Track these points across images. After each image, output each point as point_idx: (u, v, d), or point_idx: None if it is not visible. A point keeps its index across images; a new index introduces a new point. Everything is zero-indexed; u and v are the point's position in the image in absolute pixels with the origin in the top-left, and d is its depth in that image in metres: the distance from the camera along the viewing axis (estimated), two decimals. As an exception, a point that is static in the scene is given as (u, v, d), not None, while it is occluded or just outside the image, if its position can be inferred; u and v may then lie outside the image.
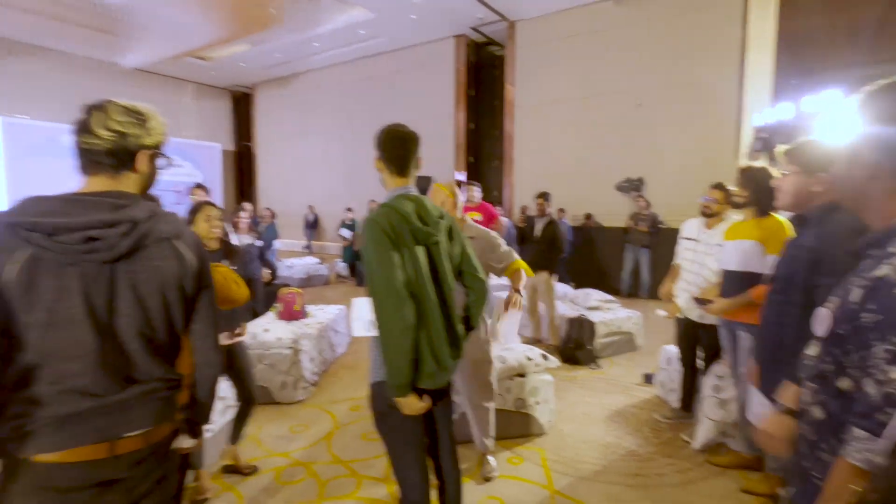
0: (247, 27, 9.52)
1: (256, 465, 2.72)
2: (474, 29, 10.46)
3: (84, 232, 1.00)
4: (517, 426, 3.05)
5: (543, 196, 4.86)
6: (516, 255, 2.58)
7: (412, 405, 1.50)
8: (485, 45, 11.45)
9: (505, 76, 10.35)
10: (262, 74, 13.81)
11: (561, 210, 8.03)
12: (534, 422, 3.08)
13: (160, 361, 1.12)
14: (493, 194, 11.07)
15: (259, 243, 4.60)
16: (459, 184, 11.65)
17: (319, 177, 13.66)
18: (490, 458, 2.67)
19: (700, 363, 3.14)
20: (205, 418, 1.28)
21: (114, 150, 1.08)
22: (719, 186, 3.06)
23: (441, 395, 1.66)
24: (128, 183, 1.12)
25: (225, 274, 2.06)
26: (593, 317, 4.66)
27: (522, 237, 5.23)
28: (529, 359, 3.07)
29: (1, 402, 1.00)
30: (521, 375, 3.07)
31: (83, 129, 1.08)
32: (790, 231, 2.10)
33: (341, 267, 9.72)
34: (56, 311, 0.99)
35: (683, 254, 3.21)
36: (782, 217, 2.33)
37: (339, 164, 13.21)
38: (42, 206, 1.01)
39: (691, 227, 3.22)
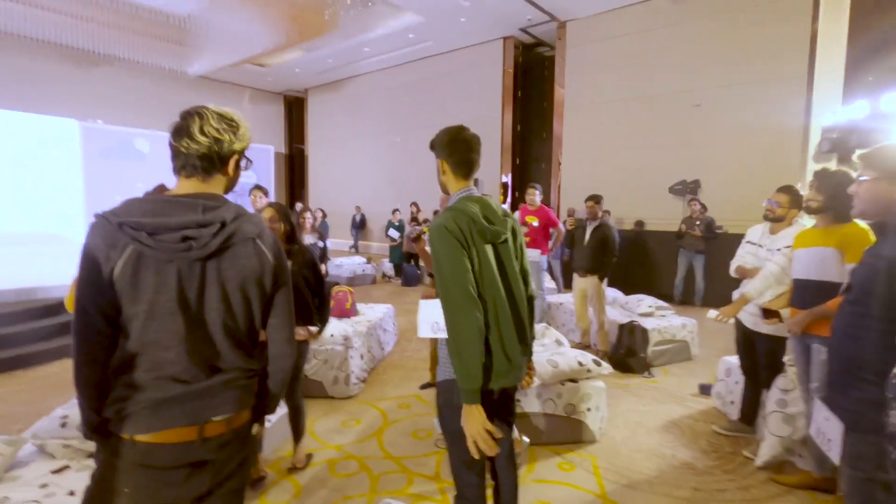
0: (303, 34, 9.89)
1: (311, 454, 2.82)
2: (523, 30, 10.40)
3: (181, 231, 1.08)
4: (568, 432, 3.01)
5: (594, 199, 4.76)
6: None
7: (476, 419, 1.44)
8: (533, 47, 11.36)
9: (554, 77, 10.22)
10: (314, 79, 14.28)
11: (606, 212, 7.83)
12: (585, 428, 3.03)
13: (241, 352, 1.19)
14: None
15: (321, 244, 4.75)
16: (505, 186, 11.57)
17: (366, 178, 13.96)
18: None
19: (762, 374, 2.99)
20: (272, 408, 1.35)
21: (209, 154, 1.15)
22: (787, 189, 2.88)
23: (505, 396, 1.66)
24: (216, 185, 1.20)
25: None
26: (646, 323, 4.53)
27: (572, 240, 5.14)
28: (581, 364, 3.02)
29: (106, 387, 1.10)
30: (573, 381, 3.03)
31: (183, 133, 1.14)
32: (873, 239, 1.96)
33: (388, 267, 9.89)
34: (156, 303, 1.07)
35: (745, 258, 3.07)
36: (863, 224, 2.18)
37: (386, 165, 13.46)
38: (144, 207, 1.10)
39: (755, 232, 3.07)
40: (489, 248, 1.56)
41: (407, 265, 9.14)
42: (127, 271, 1.05)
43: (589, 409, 3.03)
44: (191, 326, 1.11)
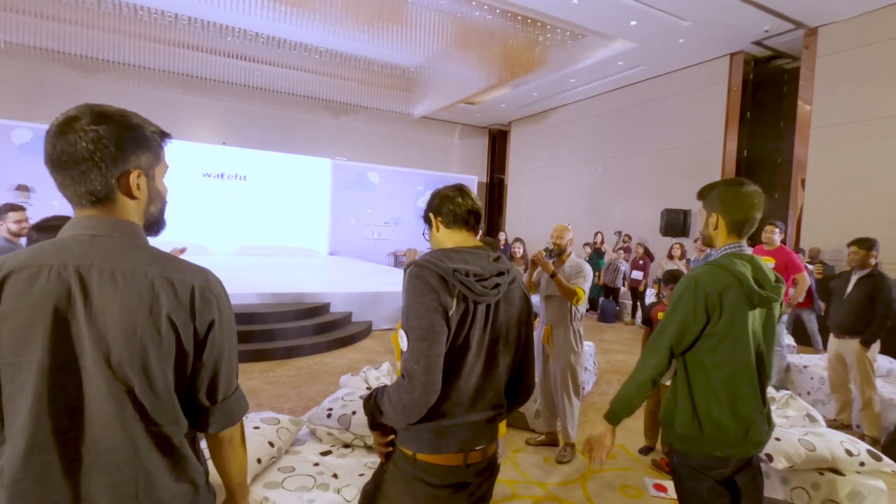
0: (513, 72, 10.47)
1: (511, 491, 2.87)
2: (757, 43, 9.14)
3: (492, 279, 1.25)
4: (827, 534, 2.43)
5: (867, 244, 3.83)
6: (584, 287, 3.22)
7: (605, 439, 1.56)
8: (769, 60, 9.87)
9: (797, 92, 8.69)
10: (518, 112, 14.94)
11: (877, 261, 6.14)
12: (852, 537, 2.41)
13: (503, 390, 1.32)
14: (771, 232, 9.30)
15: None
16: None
17: (563, 207, 13.89)
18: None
19: None
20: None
21: (473, 214, 1.38)
22: None
23: (746, 467, 1.56)
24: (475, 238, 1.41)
25: None
26: (945, 411, 3.41)
27: (827, 291, 4.22)
28: (851, 454, 2.42)
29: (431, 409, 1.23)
30: (836, 472, 2.45)
31: (458, 196, 1.37)
32: None
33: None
34: (469, 339, 1.25)
35: None
36: None
37: (584, 194, 13.18)
38: (459, 256, 1.27)
39: None
40: (755, 314, 1.42)
41: (605, 300, 8.72)
42: (457, 312, 1.26)
43: (859, 513, 2.40)
44: (493, 362, 1.30)
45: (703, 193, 1.57)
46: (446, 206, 1.35)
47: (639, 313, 8.33)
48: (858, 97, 7.63)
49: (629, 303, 8.75)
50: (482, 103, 13.89)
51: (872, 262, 3.85)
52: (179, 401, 0.92)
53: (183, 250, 3.43)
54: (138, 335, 0.84)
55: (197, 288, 0.90)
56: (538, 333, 3.42)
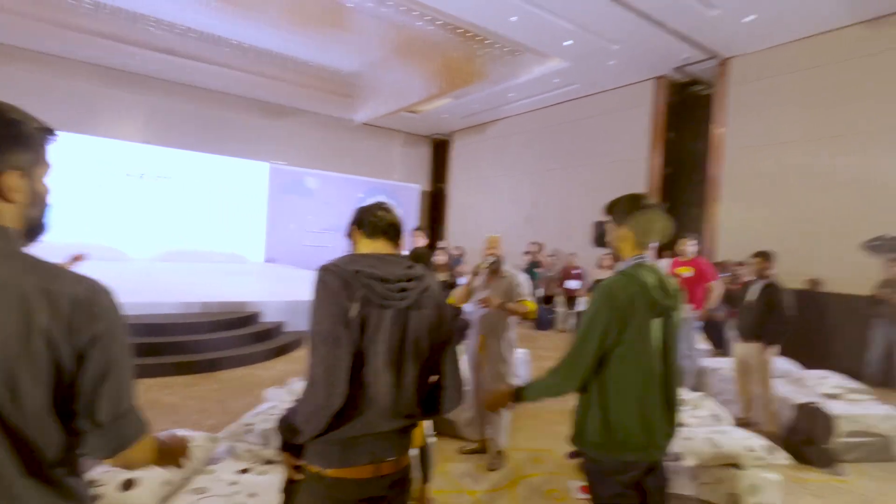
0: (455, 83, 10.64)
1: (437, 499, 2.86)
2: (677, 69, 9.87)
3: (399, 283, 1.24)
4: (729, 526, 2.62)
5: (765, 256, 4.21)
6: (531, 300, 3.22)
7: (503, 400, 1.72)
8: (688, 85, 10.68)
9: (712, 116, 9.46)
10: (460, 123, 15.17)
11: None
12: (751, 526, 2.61)
13: (417, 400, 1.31)
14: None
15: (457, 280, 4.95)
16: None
17: (503, 218, 14.20)
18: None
19: None
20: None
21: (392, 227, 1.37)
22: None
23: (654, 469, 1.62)
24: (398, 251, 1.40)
25: None
26: (831, 407, 3.80)
27: (732, 299, 4.59)
28: (751, 449, 2.64)
29: (328, 424, 1.20)
30: (737, 467, 2.65)
31: (379, 210, 1.39)
32: None
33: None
34: (375, 345, 1.22)
35: None
36: None
37: (523, 206, 13.56)
38: (367, 261, 1.27)
39: None
40: (657, 322, 1.51)
41: (541, 307, 8.98)
42: (358, 314, 1.25)
43: (757, 504, 2.61)
44: (395, 371, 1.26)
45: (611, 208, 1.66)
46: (367, 218, 1.36)
47: (572, 321, 8.70)
48: (766, 123, 8.43)
49: (564, 310, 9.11)
50: (424, 112, 13.98)
51: (771, 272, 4.24)
52: (68, 422, 0.84)
53: (79, 258, 3.07)
54: (8, 354, 0.76)
55: (79, 300, 0.83)
56: (473, 343, 3.46)
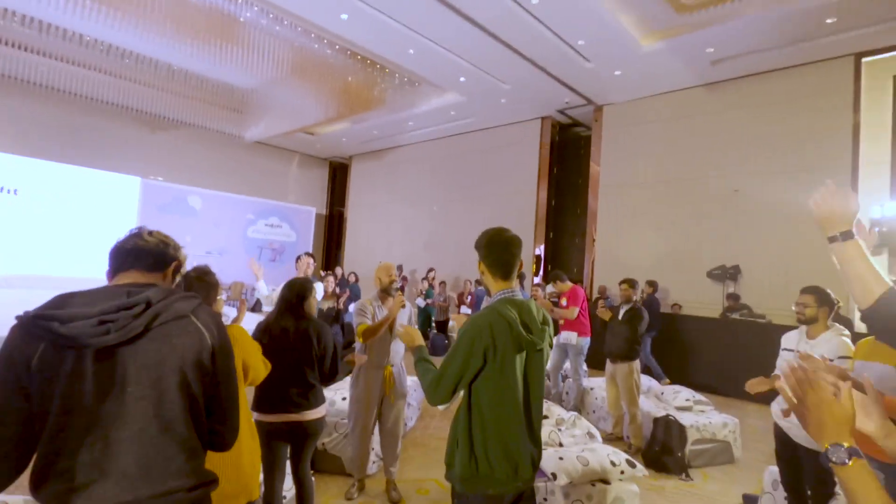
0: (352, 108, 10.60)
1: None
2: (560, 111, 10.83)
3: (100, 317, 1.05)
4: (597, 540, 2.78)
5: (629, 283, 4.68)
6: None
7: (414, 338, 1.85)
8: (570, 126, 11.76)
9: (590, 155, 10.48)
10: (359, 147, 15.10)
11: (650, 283, 7.57)
12: (616, 537, 2.79)
13: (174, 454, 1.10)
14: (573, 271, 10.87)
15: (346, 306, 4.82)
16: (538, 259, 11.52)
17: (401, 244, 14.26)
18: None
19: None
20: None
21: (157, 251, 1.27)
22: (811, 290, 2.65)
23: (520, 499, 1.65)
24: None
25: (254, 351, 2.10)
26: (683, 419, 4.26)
27: (603, 323, 5.01)
28: (614, 464, 2.84)
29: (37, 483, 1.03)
30: (605, 482, 2.84)
31: (138, 234, 1.29)
32: None
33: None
34: (69, 395, 1.02)
35: (781, 366, 2.89)
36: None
37: (421, 234, 13.75)
38: (85, 298, 1.10)
39: (790, 339, 2.84)
40: (520, 357, 1.56)
41: (435, 334, 9.06)
42: (38, 363, 1.06)
43: (621, 516, 2.81)
44: (111, 420, 1.05)
45: (475, 246, 1.71)
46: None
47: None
48: (634, 165, 9.54)
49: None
50: (322, 135, 13.72)
51: (635, 297, 4.71)
52: None
53: None
54: None
55: None
56: (381, 374, 3.34)
